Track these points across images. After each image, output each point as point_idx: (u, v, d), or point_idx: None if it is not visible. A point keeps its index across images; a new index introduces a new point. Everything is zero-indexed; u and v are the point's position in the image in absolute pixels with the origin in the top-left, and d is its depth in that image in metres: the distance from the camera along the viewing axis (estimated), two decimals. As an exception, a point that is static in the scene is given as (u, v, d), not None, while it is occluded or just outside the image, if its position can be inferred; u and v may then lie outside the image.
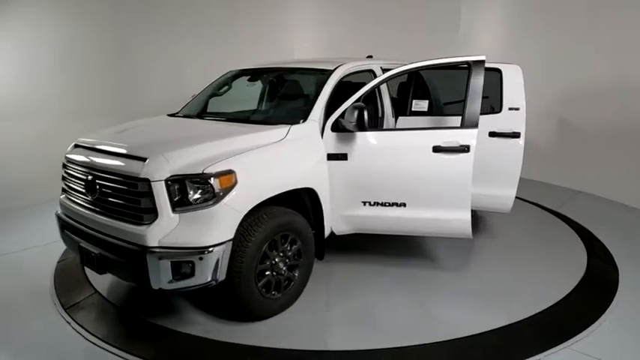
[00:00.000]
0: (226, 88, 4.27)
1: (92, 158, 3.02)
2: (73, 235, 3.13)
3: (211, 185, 2.66)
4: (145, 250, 2.63)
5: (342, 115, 3.34)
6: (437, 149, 3.27)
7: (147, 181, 2.65)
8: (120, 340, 2.90)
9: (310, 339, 2.94)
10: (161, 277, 2.65)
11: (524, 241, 4.59)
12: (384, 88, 4.18)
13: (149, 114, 4.12)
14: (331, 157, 3.37)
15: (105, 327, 3.07)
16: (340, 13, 7.33)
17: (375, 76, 4.14)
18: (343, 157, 3.36)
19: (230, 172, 2.72)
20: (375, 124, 4.21)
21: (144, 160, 2.72)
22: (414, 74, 4.55)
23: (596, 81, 5.91)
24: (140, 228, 2.69)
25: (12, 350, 2.86)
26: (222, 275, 2.75)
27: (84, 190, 3.02)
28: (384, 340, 2.88)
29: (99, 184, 2.91)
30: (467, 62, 3.34)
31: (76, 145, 3.26)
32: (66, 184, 3.29)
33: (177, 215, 2.67)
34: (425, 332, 2.96)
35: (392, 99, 4.29)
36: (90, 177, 2.96)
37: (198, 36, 6.60)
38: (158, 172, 2.65)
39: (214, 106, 4.15)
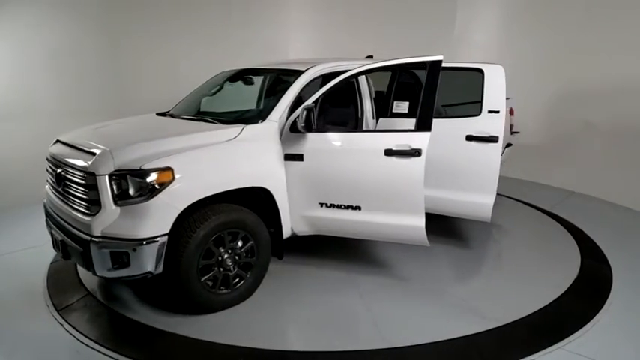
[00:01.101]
0: (216, 88, 4.42)
1: (61, 152, 3.30)
2: (49, 222, 3.44)
3: (149, 180, 2.80)
4: (90, 239, 2.84)
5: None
6: (389, 152, 3.18)
7: (93, 175, 2.86)
8: (112, 342, 2.91)
9: (270, 337, 2.96)
10: (102, 265, 2.84)
11: (517, 241, 4.58)
12: (364, 88, 4.12)
13: (143, 113, 4.36)
14: (288, 157, 3.39)
15: (98, 328, 3.08)
16: (335, 13, 7.31)
17: (356, 78, 4.10)
18: (299, 157, 3.36)
19: (167, 169, 2.84)
20: (356, 125, 4.16)
21: (94, 155, 2.94)
22: (404, 75, 4.44)
23: (590, 81, 5.90)
24: (87, 218, 2.90)
25: (4, 351, 2.87)
26: (158, 268, 2.88)
27: (55, 181, 3.32)
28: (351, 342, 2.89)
29: (63, 176, 3.18)
30: (425, 62, 3.21)
31: (57, 141, 3.57)
32: (48, 176, 3.63)
33: (119, 208, 2.85)
34: (421, 333, 2.95)
35: (375, 100, 4.21)
36: (59, 170, 3.24)
37: (193, 36, 6.64)
38: (103, 166, 2.85)
39: (203, 105, 4.30)
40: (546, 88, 6.31)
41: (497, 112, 3.70)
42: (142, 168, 2.80)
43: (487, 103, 3.75)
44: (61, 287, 3.63)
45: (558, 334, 2.93)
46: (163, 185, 2.83)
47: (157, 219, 2.84)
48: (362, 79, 4.11)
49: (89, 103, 5.98)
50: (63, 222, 3.19)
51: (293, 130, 3.37)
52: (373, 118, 4.16)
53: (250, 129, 3.34)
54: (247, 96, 4.52)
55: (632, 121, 5.53)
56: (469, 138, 3.75)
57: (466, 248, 4.29)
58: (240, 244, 3.25)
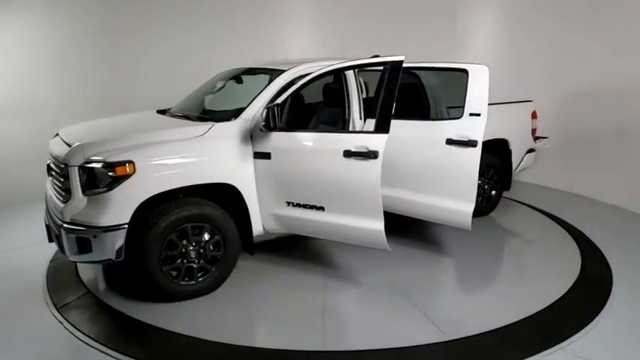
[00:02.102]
0: (219, 86, 4.55)
1: (52, 144, 3.60)
2: (45, 209, 3.77)
3: (110, 173, 2.99)
4: (62, 224, 3.09)
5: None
6: (347, 154, 3.14)
7: (67, 166, 3.10)
8: (113, 340, 2.92)
9: (221, 331, 3.01)
10: (70, 249, 3.07)
11: (518, 242, 4.67)
12: (352, 88, 4.06)
13: (144, 110, 4.58)
14: (257, 155, 3.44)
15: (98, 327, 3.09)
16: (336, 12, 7.21)
17: (345, 77, 4.07)
18: (267, 156, 3.40)
19: (129, 162, 3.00)
20: (343, 125, 4.13)
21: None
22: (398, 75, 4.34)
23: (591, 83, 5.85)
24: (61, 205, 3.16)
25: (4, 350, 2.88)
26: (119, 255, 3.06)
27: (47, 171, 3.63)
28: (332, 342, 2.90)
29: (50, 166, 3.48)
30: (386, 63, 3.12)
31: (56, 135, 3.89)
32: None
33: (86, 197, 3.06)
34: (422, 333, 2.96)
35: (364, 100, 4.15)
36: (49, 160, 3.54)
37: (194, 34, 6.61)
38: (74, 158, 3.07)
39: (208, 103, 4.40)
40: (547, 88, 6.23)
41: (479, 115, 3.51)
42: (105, 160, 2.99)
43: (469, 106, 3.57)
44: (60, 285, 3.66)
45: (559, 336, 2.91)
46: (125, 177, 3.00)
47: (117, 209, 3.01)
48: (350, 79, 4.07)
49: (91, 102, 6.05)
50: (49, 208, 3.48)
51: (260, 129, 3.43)
52: (360, 118, 4.10)
53: (220, 126, 3.43)
54: (246, 94, 4.62)
55: (632, 122, 5.46)
56: (449, 141, 3.60)
57: (464, 249, 4.27)
58: (206, 237, 3.36)
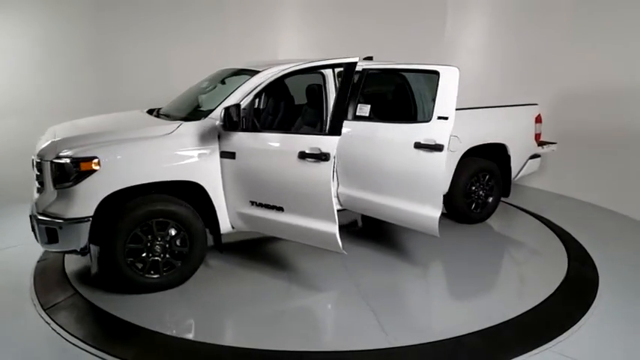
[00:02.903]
0: (211, 87, 4.66)
1: (38, 141, 3.82)
2: None
3: (76, 168, 3.15)
4: (36, 215, 3.29)
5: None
6: (302, 155, 3.14)
7: (42, 160, 3.30)
8: (100, 341, 2.90)
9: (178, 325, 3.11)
10: (42, 239, 3.27)
11: (505, 243, 4.71)
12: (330, 90, 4.05)
13: (133, 110, 4.59)
14: (223, 154, 3.50)
15: (85, 328, 3.07)
16: (327, 14, 7.15)
17: (325, 79, 4.07)
18: (232, 155, 3.46)
19: (93, 158, 3.15)
20: (321, 127, 4.13)
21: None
22: (384, 76, 4.29)
23: (578, 85, 5.93)
24: (36, 197, 3.36)
25: None
26: (84, 246, 3.22)
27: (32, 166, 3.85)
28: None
29: (34, 160, 3.70)
30: (341, 64, 3.10)
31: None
32: None
33: (56, 191, 3.24)
34: (413, 333, 3.00)
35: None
36: (34, 155, 3.77)
37: (185, 33, 6.61)
38: (48, 154, 3.27)
39: (203, 103, 4.48)
40: (535, 90, 6.08)
41: (446, 118, 3.41)
42: (72, 156, 3.16)
43: (438, 108, 3.47)
44: (47, 286, 3.64)
45: (546, 336, 2.94)
46: (89, 173, 3.15)
47: (81, 202, 3.17)
48: (329, 80, 4.07)
49: (81, 101, 6.04)
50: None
51: (225, 129, 3.46)
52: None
53: (187, 125, 3.52)
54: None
55: (620, 124, 5.50)
56: (417, 145, 3.52)
57: (450, 249, 4.30)
58: (173, 233, 3.47)
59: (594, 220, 5.34)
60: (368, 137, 3.85)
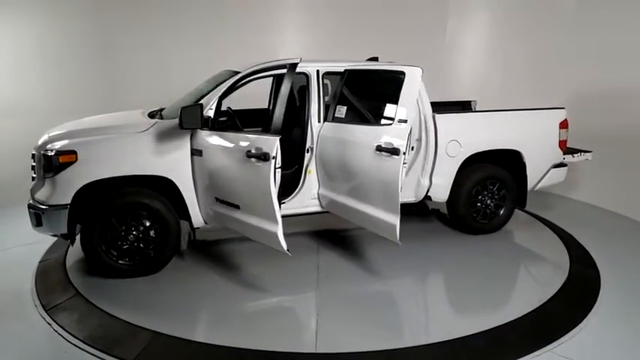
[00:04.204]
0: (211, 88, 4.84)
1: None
2: None
3: (57, 160, 3.49)
4: (30, 201, 3.71)
5: None
6: (248, 154, 3.17)
7: (35, 152, 3.71)
8: (101, 342, 2.90)
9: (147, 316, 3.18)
10: (32, 222, 3.66)
11: (508, 244, 4.64)
12: (313, 91, 4.04)
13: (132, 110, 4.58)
14: (193, 152, 3.64)
15: (86, 329, 3.06)
16: (328, 16, 6.96)
17: (308, 80, 4.07)
18: (200, 153, 3.60)
19: (72, 151, 3.48)
20: (303, 130, 4.12)
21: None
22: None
23: (581, 86, 5.86)
24: (32, 185, 3.78)
25: None
26: (64, 230, 3.55)
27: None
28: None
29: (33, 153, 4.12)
30: (283, 66, 3.07)
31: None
32: None
33: (45, 179, 3.62)
34: (415, 334, 3.07)
35: (325, 104, 4.09)
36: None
37: (186, 35, 6.59)
38: (41, 146, 3.66)
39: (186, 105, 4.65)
40: (538, 91, 6.16)
41: (405, 121, 3.22)
42: (54, 149, 3.50)
43: (400, 110, 3.29)
44: (49, 286, 3.67)
45: (547, 338, 2.94)
46: (67, 165, 3.48)
47: (60, 191, 3.50)
48: (312, 81, 4.05)
49: (87, 102, 6.12)
50: None
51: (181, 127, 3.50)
52: (319, 121, 4.05)
53: (163, 124, 3.71)
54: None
55: (621, 126, 5.44)
56: (379, 148, 3.37)
57: (453, 251, 4.33)
58: (147, 224, 3.69)
59: (597, 221, 5.31)
60: (341, 139, 3.78)
